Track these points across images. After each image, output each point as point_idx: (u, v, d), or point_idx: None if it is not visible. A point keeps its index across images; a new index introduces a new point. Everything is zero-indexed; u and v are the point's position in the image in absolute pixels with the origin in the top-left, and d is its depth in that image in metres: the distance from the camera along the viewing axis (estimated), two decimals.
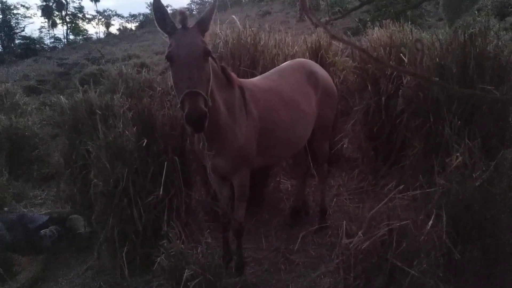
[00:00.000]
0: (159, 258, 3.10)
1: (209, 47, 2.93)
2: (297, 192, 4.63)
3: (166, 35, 2.92)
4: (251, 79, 3.80)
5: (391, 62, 4.63)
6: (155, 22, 2.92)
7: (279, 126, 3.52)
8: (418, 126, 4.09)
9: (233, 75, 3.34)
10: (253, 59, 4.69)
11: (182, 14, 2.90)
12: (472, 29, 3.97)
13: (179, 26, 2.89)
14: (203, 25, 2.98)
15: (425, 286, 2.63)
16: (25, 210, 5.00)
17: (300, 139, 3.84)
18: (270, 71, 4.03)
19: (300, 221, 4.47)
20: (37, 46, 36.95)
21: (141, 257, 3.70)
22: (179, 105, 2.74)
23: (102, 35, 52.99)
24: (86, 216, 4.45)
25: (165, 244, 3.14)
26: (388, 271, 2.61)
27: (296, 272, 3.67)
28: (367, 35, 5.42)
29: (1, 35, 39.46)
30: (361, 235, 2.68)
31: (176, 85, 2.80)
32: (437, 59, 4.01)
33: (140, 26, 52.04)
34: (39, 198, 5.86)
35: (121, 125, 3.88)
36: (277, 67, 4.08)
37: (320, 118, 3.99)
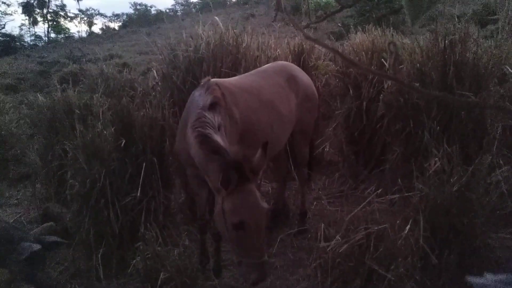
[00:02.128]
0: (134, 261, 3.05)
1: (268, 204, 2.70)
2: (277, 195, 4.61)
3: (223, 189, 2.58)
4: (230, 79, 3.76)
5: (372, 67, 4.66)
6: (220, 183, 2.55)
7: (257, 128, 3.48)
8: (398, 131, 4.12)
9: (213, 90, 3.15)
10: (235, 61, 4.68)
11: (238, 165, 2.56)
12: (452, 36, 4.01)
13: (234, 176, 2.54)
14: (257, 173, 2.71)
15: None
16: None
17: (278, 142, 3.81)
18: (250, 71, 4.01)
19: (280, 224, 4.45)
20: (17, 43, 36.31)
21: (117, 259, 3.64)
22: (237, 260, 2.61)
23: (84, 34, 52.25)
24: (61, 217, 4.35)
25: (141, 246, 3.09)
26: (365, 275, 2.61)
27: (274, 275, 3.64)
28: (350, 40, 5.45)
29: None
30: (339, 238, 2.68)
31: (238, 245, 2.59)
32: (418, 65, 4.05)
33: (123, 26, 51.55)
34: (15, 198, 5.72)
35: (100, 125, 3.82)
36: (258, 69, 4.07)
37: (300, 122, 3.97)
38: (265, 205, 2.62)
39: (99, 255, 3.58)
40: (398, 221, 2.81)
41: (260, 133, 3.50)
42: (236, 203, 2.55)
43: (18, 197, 5.76)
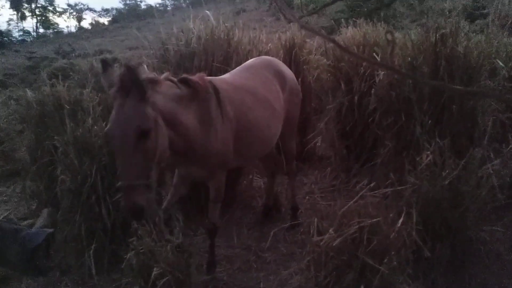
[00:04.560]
0: (127, 255, 3.02)
1: (150, 121, 2.48)
2: (268, 190, 4.61)
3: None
4: (223, 77, 3.71)
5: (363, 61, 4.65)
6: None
7: (254, 126, 3.45)
8: (390, 125, 4.13)
9: (200, 80, 3.08)
10: (226, 55, 4.64)
11: (128, 70, 2.43)
12: (443, 30, 4.02)
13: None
14: (141, 89, 2.48)
15: (395, 283, 2.64)
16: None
17: (274, 137, 3.81)
18: (238, 68, 3.95)
19: (272, 219, 4.45)
20: (5, 39, 35.75)
21: (109, 255, 3.62)
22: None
23: (73, 29, 51.74)
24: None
25: (134, 241, 3.07)
26: (359, 268, 2.61)
27: (267, 270, 3.65)
28: (341, 34, 5.44)
29: None
30: (332, 232, 2.68)
31: (116, 165, 2.50)
32: (409, 59, 4.05)
33: (113, 21, 51.18)
34: (4, 195, 5.67)
35: (90, 120, 3.78)
36: (244, 64, 3.97)
37: (287, 117, 3.95)
38: (137, 121, 2.41)
39: (91, 251, 3.55)
40: (390, 215, 2.81)
41: (257, 130, 3.48)
42: (114, 111, 2.51)
43: (7, 193, 5.71)
